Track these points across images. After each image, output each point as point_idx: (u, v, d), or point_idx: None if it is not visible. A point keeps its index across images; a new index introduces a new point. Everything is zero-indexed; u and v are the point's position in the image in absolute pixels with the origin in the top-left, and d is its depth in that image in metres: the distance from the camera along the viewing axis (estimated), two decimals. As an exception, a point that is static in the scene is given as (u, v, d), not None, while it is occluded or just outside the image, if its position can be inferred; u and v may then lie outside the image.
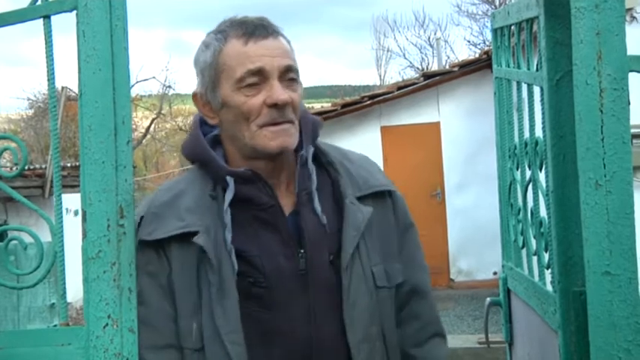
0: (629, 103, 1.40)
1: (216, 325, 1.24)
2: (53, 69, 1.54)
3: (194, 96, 1.36)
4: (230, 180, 1.28)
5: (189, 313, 1.27)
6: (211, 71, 1.30)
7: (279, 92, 1.25)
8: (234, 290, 1.25)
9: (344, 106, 9.44)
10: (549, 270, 1.75)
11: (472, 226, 8.96)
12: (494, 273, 8.99)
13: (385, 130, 9.44)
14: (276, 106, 1.25)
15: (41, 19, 1.52)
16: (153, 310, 1.30)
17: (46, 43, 1.52)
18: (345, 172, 1.38)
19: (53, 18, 1.52)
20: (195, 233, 1.25)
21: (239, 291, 1.26)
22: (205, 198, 1.30)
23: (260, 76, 1.25)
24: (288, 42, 1.33)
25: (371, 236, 1.36)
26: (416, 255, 1.49)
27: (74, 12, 1.46)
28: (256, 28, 1.27)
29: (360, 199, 1.36)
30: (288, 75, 1.28)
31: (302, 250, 1.29)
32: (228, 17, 1.34)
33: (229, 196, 1.27)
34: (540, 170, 1.83)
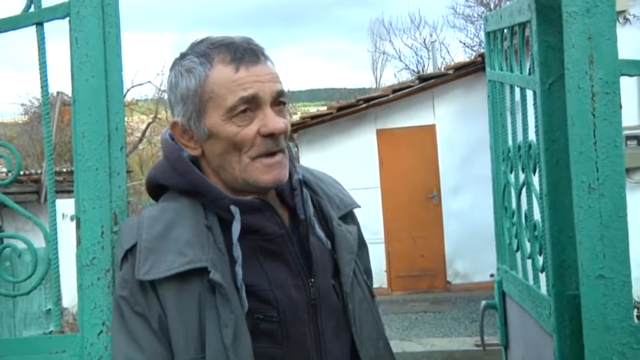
0: (621, 107, 1.40)
1: None
2: (46, 76, 1.53)
3: (173, 125, 1.24)
4: (235, 210, 1.19)
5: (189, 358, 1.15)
6: (196, 99, 1.20)
7: (274, 121, 1.18)
8: (246, 332, 1.15)
9: (339, 109, 9.44)
10: (544, 273, 1.75)
11: (468, 228, 8.97)
12: (491, 275, 8.98)
13: (381, 133, 9.45)
14: (272, 135, 1.19)
15: (34, 26, 1.52)
16: (148, 356, 1.16)
17: (39, 50, 1.52)
18: (322, 194, 1.34)
19: (47, 24, 1.52)
20: (200, 270, 1.14)
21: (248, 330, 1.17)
22: (201, 228, 1.19)
23: (253, 103, 1.18)
24: (273, 64, 1.26)
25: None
26: (370, 269, 1.48)
27: (67, 19, 1.46)
28: (245, 53, 1.19)
29: (339, 218, 1.34)
30: (279, 100, 1.22)
31: (312, 280, 1.23)
32: (201, 38, 1.25)
33: (237, 227, 1.18)
34: (534, 173, 1.84)
